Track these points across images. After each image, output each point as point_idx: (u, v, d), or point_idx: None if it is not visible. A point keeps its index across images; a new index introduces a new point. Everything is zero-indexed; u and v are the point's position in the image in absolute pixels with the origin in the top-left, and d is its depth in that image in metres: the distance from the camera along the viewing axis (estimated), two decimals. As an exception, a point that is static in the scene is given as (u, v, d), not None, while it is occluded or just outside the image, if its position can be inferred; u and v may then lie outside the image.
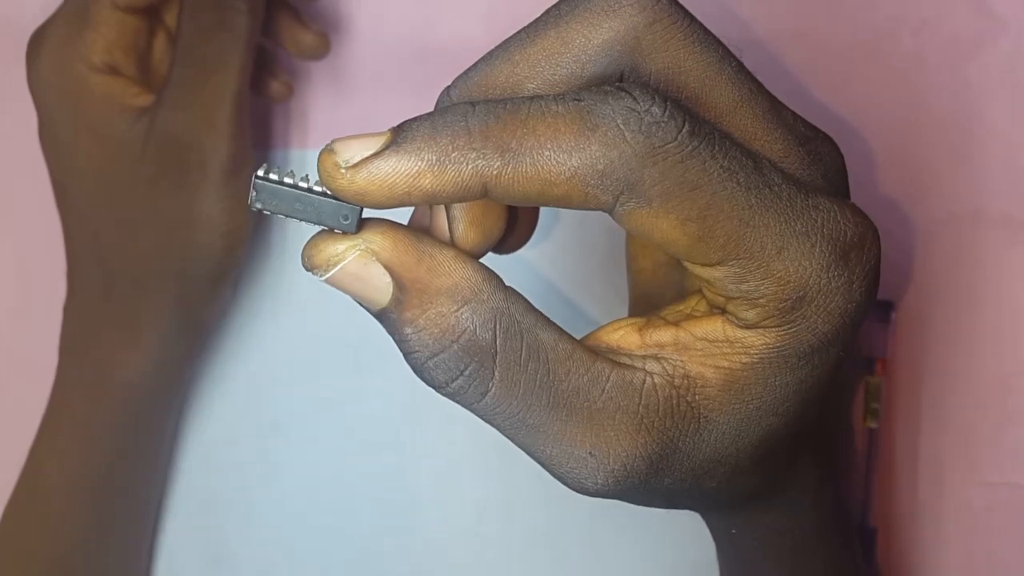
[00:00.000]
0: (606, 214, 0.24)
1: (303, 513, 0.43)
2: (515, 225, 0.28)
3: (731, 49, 0.25)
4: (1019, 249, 0.39)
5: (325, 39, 0.41)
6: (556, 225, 0.41)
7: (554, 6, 0.25)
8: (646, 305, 0.32)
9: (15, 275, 0.44)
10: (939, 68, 0.39)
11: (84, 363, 0.38)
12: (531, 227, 0.29)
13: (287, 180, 0.24)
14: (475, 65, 0.25)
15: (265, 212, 0.24)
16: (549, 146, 0.22)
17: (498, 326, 0.24)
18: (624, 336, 0.26)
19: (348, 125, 0.42)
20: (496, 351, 0.24)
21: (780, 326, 0.24)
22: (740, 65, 0.25)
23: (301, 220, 0.24)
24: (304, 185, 0.24)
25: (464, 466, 0.42)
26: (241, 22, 0.35)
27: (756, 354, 0.24)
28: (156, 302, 0.37)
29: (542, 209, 0.28)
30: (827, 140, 0.27)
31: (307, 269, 0.24)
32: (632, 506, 0.40)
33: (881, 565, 0.40)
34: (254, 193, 0.24)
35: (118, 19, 0.37)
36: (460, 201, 0.23)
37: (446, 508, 0.42)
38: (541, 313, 0.25)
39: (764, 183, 0.23)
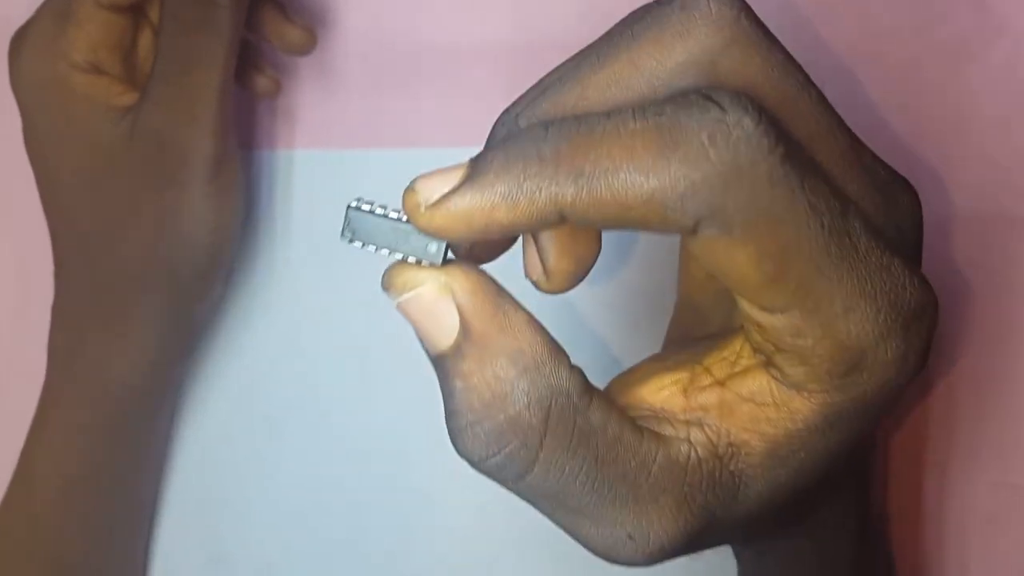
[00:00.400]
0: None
1: (299, 512, 0.43)
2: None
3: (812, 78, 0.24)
4: (1019, 248, 0.39)
5: (311, 34, 0.41)
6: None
7: (625, 23, 0.24)
8: (691, 315, 0.31)
9: (14, 275, 0.44)
10: (939, 68, 0.39)
11: (74, 363, 0.38)
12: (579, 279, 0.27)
13: (378, 211, 0.24)
14: (542, 88, 0.24)
15: (355, 243, 0.24)
16: (625, 168, 0.21)
17: (553, 406, 0.23)
18: (668, 399, 0.24)
19: (336, 123, 0.42)
20: (545, 433, 0.23)
21: (828, 391, 0.23)
22: (821, 95, 0.24)
23: (391, 251, 0.24)
24: (394, 216, 0.24)
25: (464, 465, 0.42)
26: (224, 18, 0.35)
27: (802, 421, 0.23)
28: (145, 300, 0.37)
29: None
30: (907, 187, 0.25)
31: (384, 289, 0.24)
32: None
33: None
34: (346, 223, 0.24)
35: (102, 17, 0.37)
36: (540, 229, 0.23)
37: (445, 507, 0.42)
38: (596, 390, 0.24)
39: (847, 231, 0.22)
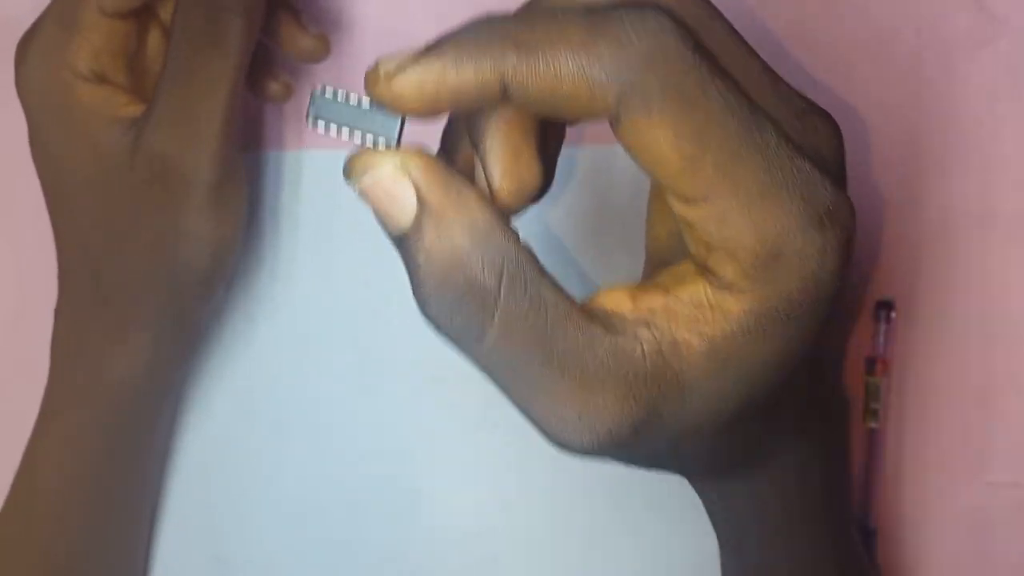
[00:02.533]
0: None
1: (300, 513, 0.43)
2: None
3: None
4: (1020, 248, 0.39)
5: (325, 42, 0.41)
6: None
7: None
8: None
9: (14, 276, 0.44)
10: (939, 68, 0.39)
11: (76, 365, 0.38)
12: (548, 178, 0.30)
13: (340, 97, 0.27)
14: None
15: (319, 126, 0.27)
16: (561, 43, 0.24)
17: (505, 272, 0.25)
18: (618, 301, 0.26)
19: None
20: (499, 297, 0.25)
21: (755, 288, 0.25)
22: (733, 27, 0.27)
23: (351, 132, 0.27)
24: (354, 102, 0.27)
25: (464, 466, 0.42)
26: (234, 36, 0.34)
27: (735, 321, 0.25)
28: (145, 308, 0.37)
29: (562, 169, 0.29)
30: (825, 116, 0.27)
31: (346, 177, 0.26)
32: (632, 507, 0.40)
33: (882, 565, 0.40)
34: (311, 108, 0.27)
35: (106, 24, 0.36)
36: (483, 100, 0.25)
37: (445, 508, 0.42)
38: (547, 272, 0.25)
39: (757, 124, 0.24)
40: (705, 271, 0.25)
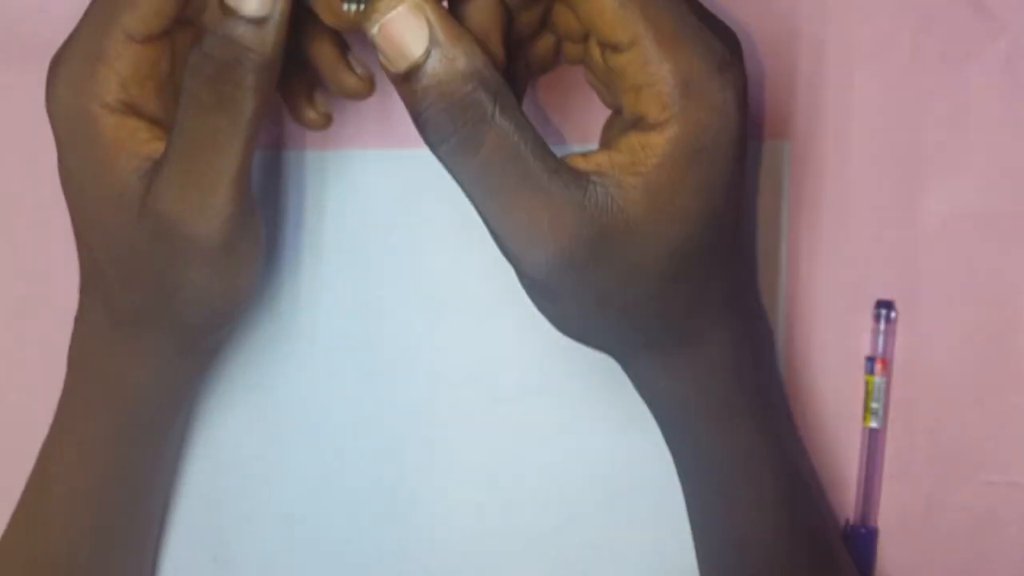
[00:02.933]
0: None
1: (302, 514, 0.43)
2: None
3: None
4: (1019, 248, 0.39)
5: (370, 82, 0.40)
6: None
7: None
8: None
9: (15, 277, 0.44)
10: (938, 68, 0.39)
11: (94, 375, 0.38)
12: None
13: None
14: None
15: None
16: None
17: (498, 94, 0.30)
18: (573, 160, 0.32)
19: (349, 124, 0.42)
20: (494, 113, 0.30)
21: (673, 118, 0.31)
22: None
23: None
24: None
25: (465, 468, 0.42)
26: (242, 105, 0.32)
27: (660, 151, 0.31)
28: (156, 337, 0.37)
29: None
30: (726, 29, 0.33)
31: (366, 19, 0.31)
32: (632, 508, 0.40)
33: (882, 565, 0.40)
34: None
35: (133, 52, 0.34)
36: None
37: (445, 509, 0.42)
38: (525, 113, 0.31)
39: None
40: (635, 122, 0.31)
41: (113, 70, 0.34)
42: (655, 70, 0.31)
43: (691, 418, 0.36)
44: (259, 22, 0.31)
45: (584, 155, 0.32)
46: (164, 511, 0.43)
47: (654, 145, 0.31)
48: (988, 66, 0.39)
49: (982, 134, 0.39)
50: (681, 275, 0.33)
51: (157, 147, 0.34)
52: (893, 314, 0.39)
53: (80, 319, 0.38)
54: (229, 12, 0.31)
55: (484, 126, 0.30)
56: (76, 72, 0.35)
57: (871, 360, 0.39)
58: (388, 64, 0.31)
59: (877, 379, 0.39)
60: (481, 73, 0.30)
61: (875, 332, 0.39)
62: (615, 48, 0.31)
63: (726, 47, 0.32)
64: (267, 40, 0.31)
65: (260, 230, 0.36)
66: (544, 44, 0.37)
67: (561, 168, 0.31)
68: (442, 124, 0.30)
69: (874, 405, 0.39)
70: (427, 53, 0.30)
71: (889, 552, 0.40)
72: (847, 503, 0.40)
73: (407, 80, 0.30)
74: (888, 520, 0.40)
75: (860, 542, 0.39)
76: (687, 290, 0.33)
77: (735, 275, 0.36)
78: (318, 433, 0.43)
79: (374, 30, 0.30)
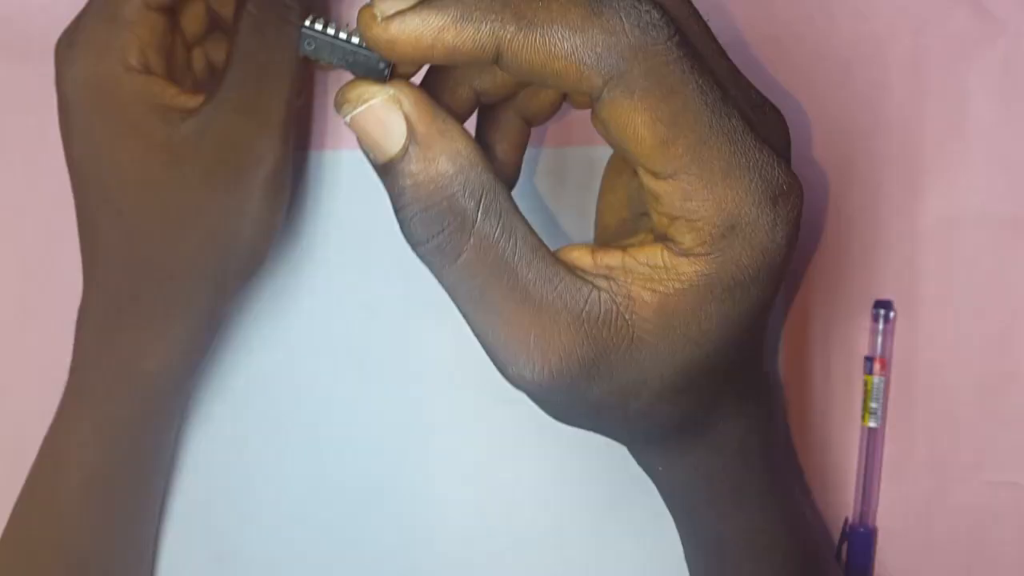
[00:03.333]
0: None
1: (302, 511, 0.43)
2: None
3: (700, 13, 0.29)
4: (1018, 248, 0.39)
5: None
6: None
7: None
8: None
9: (15, 274, 0.44)
10: (938, 69, 0.39)
11: (107, 359, 0.39)
12: (516, 172, 0.33)
13: (330, 32, 0.27)
14: None
15: (312, 59, 0.28)
16: (559, 22, 0.26)
17: (483, 198, 0.27)
18: (579, 256, 0.29)
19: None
20: (476, 220, 0.27)
21: (710, 253, 0.27)
22: (707, 26, 0.29)
23: (342, 60, 0.27)
24: (344, 37, 0.27)
25: (466, 468, 0.42)
26: (296, 24, 0.35)
27: (687, 281, 0.27)
28: (187, 298, 0.38)
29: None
30: (775, 110, 0.30)
31: (338, 107, 0.27)
32: (632, 507, 0.40)
33: (881, 565, 0.40)
34: (303, 42, 0.27)
35: (150, 18, 0.37)
36: (475, 61, 0.26)
37: (446, 508, 0.42)
38: (518, 208, 0.28)
39: (726, 112, 0.27)
40: (664, 239, 0.28)
41: (134, 34, 0.37)
42: (696, 208, 0.27)
43: (692, 500, 0.35)
44: None
45: (594, 250, 0.29)
46: (164, 497, 0.43)
47: (681, 272, 0.27)
48: (987, 66, 0.39)
49: (981, 134, 0.39)
50: (692, 389, 0.29)
51: (185, 100, 0.37)
52: (892, 314, 0.39)
53: (87, 305, 0.39)
54: None
55: (463, 235, 0.27)
56: (96, 39, 0.37)
57: (870, 360, 0.39)
58: (365, 151, 0.28)
59: (876, 379, 0.39)
60: (465, 175, 0.27)
61: (874, 332, 0.39)
62: (653, 174, 0.27)
63: (784, 170, 0.27)
64: None
65: (291, 165, 0.38)
66: (546, 96, 0.32)
67: (557, 273, 0.27)
68: (416, 230, 0.27)
69: (873, 405, 0.39)
70: (404, 150, 0.27)
71: (888, 552, 0.40)
72: (846, 503, 0.40)
73: (383, 172, 0.28)
74: (887, 520, 0.40)
75: (859, 542, 0.39)
76: (696, 399, 0.30)
77: (752, 372, 0.33)
78: (318, 433, 0.43)
79: (345, 119, 0.28)
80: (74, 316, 0.39)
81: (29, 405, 0.40)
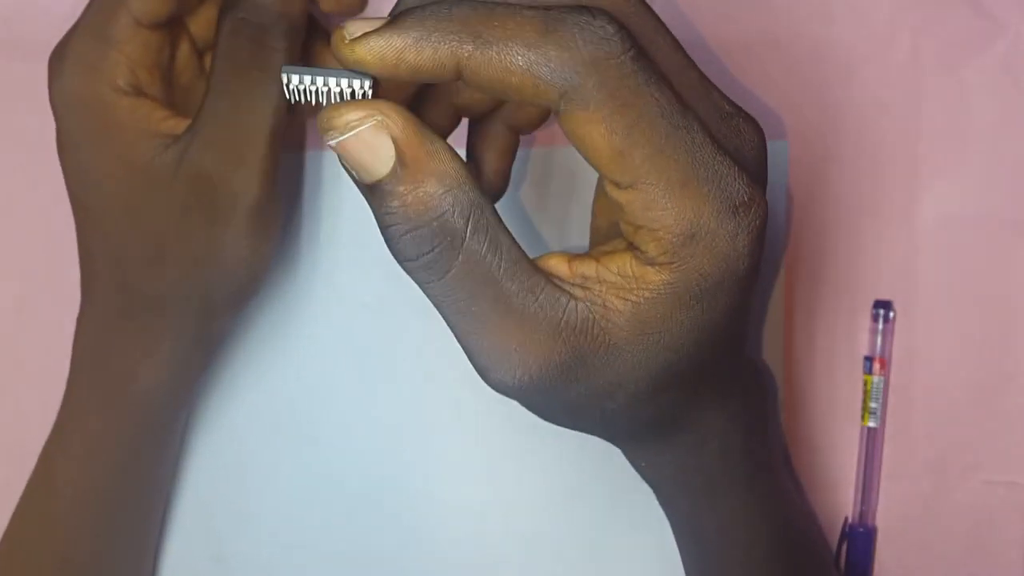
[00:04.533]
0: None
1: (302, 514, 0.43)
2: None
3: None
4: (1018, 249, 0.39)
5: None
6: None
7: None
8: None
9: (17, 277, 0.44)
10: (937, 69, 0.39)
11: (100, 373, 0.38)
12: (504, 181, 0.34)
13: (308, 67, 0.28)
14: None
15: (296, 92, 0.28)
16: (514, 39, 0.26)
17: (472, 216, 0.28)
18: (556, 264, 0.30)
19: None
20: (465, 238, 0.27)
21: (673, 263, 0.28)
22: (675, 39, 0.29)
23: (327, 91, 0.28)
24: (321, 73, 0.28)
25: (466, 469, 0.42)
26: (277, 61, 0.34)
27: (655, 289, 0.28)
28: (175, 323, 0.37)
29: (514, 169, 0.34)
30: (749, 119, 0.30)
31: (324, 131, 0.27)
32: (632, 507, 0.40)
33: (881, 565, 0.40)
34: (285, 79, 0.28)
35: (141, 37, 0.36)
36: (438, 79, 0.27)
37: (446, 510, 0.42)
38: (502, 220, 0.28)
39: (684, 125, 0.27)
40: (632, 247, 0.29)
41: (123, 54, 0.36)
42: (657, 217, 0.27)
43: (675, 491, 0.35)
44: None
45: (570, 259, 0.30)
46: (165, 508, 0.43)
47: (649, 281, 0.28)
48: (987, 67, 0.39)
49: (981, 135, 0.39)
50: (670, 388, 0.30)
51: (174, 124, 0.36)
52: (891, 314, 0.39)
53: (83, 318, 0.38)
54: None
55: (453, 253, 0.28)
56: (85, 58, 0.36)
57: (869, 360, 0.39)
58: (349, 171, 0.28)
59: (875, 379, 0.39)
60: (454, 195, 0.27)
61: (873, 332, 0.39)
62: (614, 183, 0.28)
63: (746, 182, 0.28)
64: (295, 5, 0.34)
65: (281, 195, 0.37)
66: (531, 107, 0.33)
67: (538, 284, 0.28)
68: (405, 248, 0.28)
69: (872, 404, 0.39)
70: (393, 173, 0.27)
71: (888, 551, 0.40)
72: (846, 502, 0.40)
73: (371, 192, 0.28)
74: (887, 519, 0.40)
75: (859, 541, 0.39)
76: (672, 400, 0.31)
77: (733, 367, 0.34)
78: (318, 433, 0.43)
79: (332, 144, 0.27)
80: (74, 317, 0.38)
81: (29, 406, 0.40)
